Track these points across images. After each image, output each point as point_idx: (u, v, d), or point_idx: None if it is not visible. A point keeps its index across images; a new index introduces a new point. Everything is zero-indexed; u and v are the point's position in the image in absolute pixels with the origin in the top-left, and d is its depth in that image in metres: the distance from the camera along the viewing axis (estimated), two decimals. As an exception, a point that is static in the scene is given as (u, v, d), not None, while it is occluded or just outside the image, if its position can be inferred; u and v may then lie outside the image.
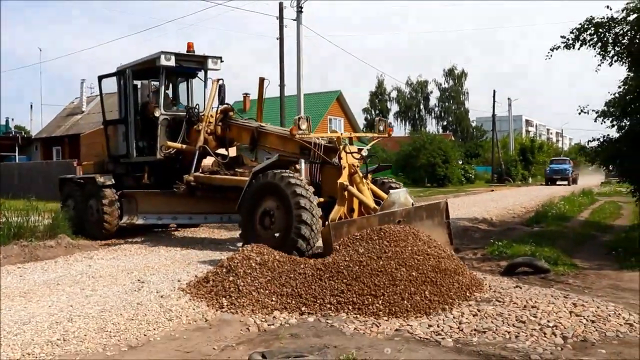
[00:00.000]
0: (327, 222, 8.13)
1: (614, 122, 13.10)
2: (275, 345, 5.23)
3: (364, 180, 8.84)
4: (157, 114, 11.21)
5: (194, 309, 6.17)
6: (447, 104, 62.08)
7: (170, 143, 11.13)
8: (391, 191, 8.55)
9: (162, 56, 11.02)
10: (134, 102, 11.75)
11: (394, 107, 66.24)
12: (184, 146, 11.13)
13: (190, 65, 11.89)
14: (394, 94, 66.42)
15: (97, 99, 36.30)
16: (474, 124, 70.09)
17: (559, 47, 13.51)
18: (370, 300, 6.03)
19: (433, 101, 64.96)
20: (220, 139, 11.19)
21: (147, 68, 11.55)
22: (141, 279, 7.61)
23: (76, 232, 11.65)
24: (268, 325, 5.82)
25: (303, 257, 7.58)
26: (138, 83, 12.03)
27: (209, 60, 11.78)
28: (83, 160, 13.85)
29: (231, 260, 6.90)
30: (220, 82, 11.34)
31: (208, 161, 11.42)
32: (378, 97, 66.10)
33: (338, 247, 6.96)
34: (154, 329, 5.59)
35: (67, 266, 8.92)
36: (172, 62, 11.13)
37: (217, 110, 11.16)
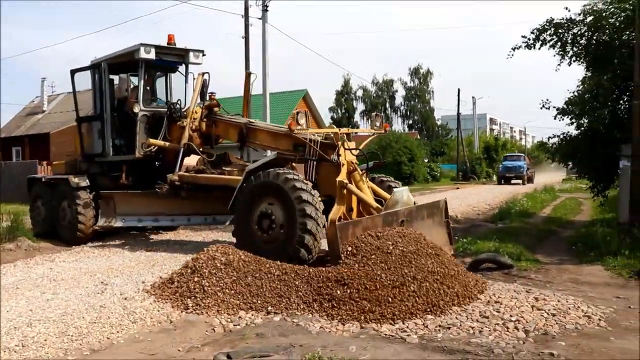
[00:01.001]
0: (329, 223, 7.71)
1: (573, 120, 13.44)
2: (241, 345, 5.20)
3: (364, 178, 8.54)
4: (136, 109, 10.67)
5: (158, 311, 6.09)
6: (412, 102, 62.70)
7: (152, 140, 10.56)
8: (395, 190, 8.35)
9: (142, 48, 10.47)
10: (110, 97, 11.15)
11: (360, 106, 66.64)
12: (167, 144, 10.60)
13: (171, 58, 11.34)
14: (360, 93, 66.82)
15: (59, 97, 35.79)
16: (439, 123, 70.97)
17: (520, 46, 13.82)
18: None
19: (399, 100, 65.57)
20: (205, 136, 10.65)
21: (125, 61, 10.97)
22: (104, 281, 7.48)
23: (48, 236, 11.28)
24: (234, 325, 5.79)
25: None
26: (114, 77, 11.30)
27: (191, 54, 11.33)
28: (53, 160, 13.22)
29: (196, 260, 6.83)
30: (206, 76, 10.87)
31: (191, 160, 10.96)
32: (344, 96, 66.36)
33: (345, 251, 6.66)
34: (118, 332, 5.50)
35: (27, 270, 8.70)
36: (152, 55, 10.61)
37: (203, 106, 10.63)
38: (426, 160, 46.48)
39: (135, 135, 10.79)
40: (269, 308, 6.08)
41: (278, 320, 5.85)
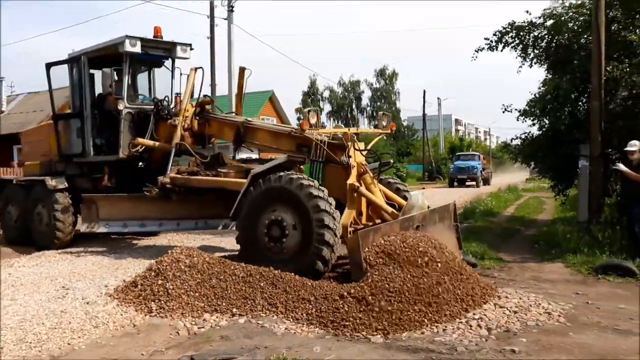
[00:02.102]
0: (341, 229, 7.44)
1: (535, 121, 13.74)
2: (205, 348, 5.17)
3: (375, 181, 8.13)
4: (120, 107, 9.95)
5: (121, 315, 6.00)
6: (378, 103, 63.10)
7: (140, 140, 9.83)
8: (411, 194, 8.16)
9: (127, 41, 9.74)
10: (91, 93, 10.49)
11: (327, 107, 66.80)
12: (156, 143, 9.90)
13: (157, 52, 10.62)
14: (326, 94, 66.99)
15: (19, 98, 34.86)
16: (405, 123, 71.59)
17: (483, 48, 14.06)
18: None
19: (365, 101, 65.94)
20: (197, 135, 9.98)
21: (107, 54, 10.28)
22: (66, 285, 7.31)
23: (21, 242, 10.79)
24: (198, 328, 5.74)
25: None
26: (95, 72, 10.67)
27: (178, 48, 10.62)
28: (25, 160, 12.25)
29: (160, 263, 6.75)
30: (199, 71, 10.20)
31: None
32: (310, 96, 66.41)
33: (366, 261, 6.34)
34: (79, 337, 5.39)
35: (-16, 275, 8.45)
36: (137, 49, 9.90)
37: (196, 102, 9.99)
38: (392, 161, 46.81)
39: (119, 134, 10.10)
40: (234, 310, 6.04)
41: (243, 322, 5.83)
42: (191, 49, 10.84)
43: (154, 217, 10.30)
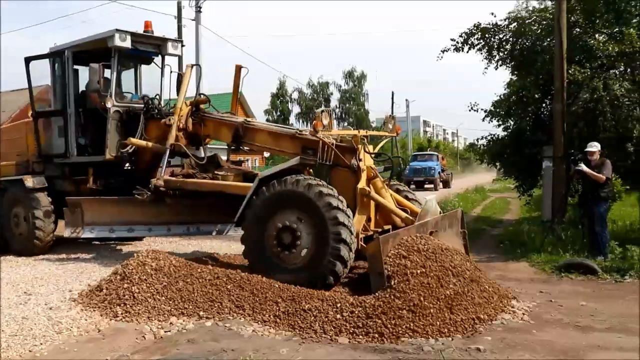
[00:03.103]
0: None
1: (500, 122, 13.99)
2: (172, 352, 5.11)
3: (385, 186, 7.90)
4: (109, 104, 9.41)
5: (86, 320, 5.89)
6: (347, 105, 63.34)
7: (133, 140, 9.23)
8: (427, 198, 7.95)
9: (117, 35, 9.22)
10: (75, 89, 9.97)
11: (296, 109, 66.74)
12: (150, 144, 9.31)
13: (147, 48, 10.13)
14: (295, 95, 66.94)
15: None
16: (374, 125, 71.99)
17: (448, 49, 14.25)
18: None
19: (334, 102, 66.11)
20: (191, 135, 9.39)
21: (94, 49, 9.75)
22: (28, 291, 7.15)
23: None
24: (164, 332, 5.66)
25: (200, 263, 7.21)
26: (80, 67, 10.28)
27: (169, 44, 10.20)
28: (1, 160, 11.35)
29: (126, 267, 6.65)
30: (196, 67, 9.59)
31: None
32: (279, 98, 66.25)
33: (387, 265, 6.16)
34: (41, 344, 5.26)
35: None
36: (127, 43, 9.40)
37: (191, 101, 9.45)
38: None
39: (106, 133, 9.56)
40: (201, 313, 5.99)
41: (210, 325, 5.78)
42: (182, 45, 10.50)
43: (143, 222, 9.78)
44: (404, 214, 7.67)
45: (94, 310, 6.11)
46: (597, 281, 8.10)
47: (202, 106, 9.45)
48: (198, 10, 23.09)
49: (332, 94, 65.15)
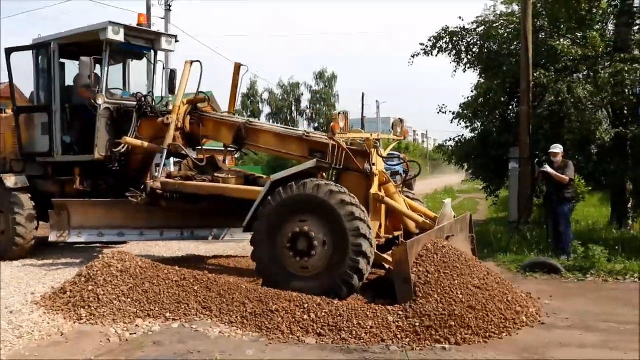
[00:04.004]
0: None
1: (468, 124, 14.20)
2: (137, 354, 5.05)
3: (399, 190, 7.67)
4: (100, 101, 8.95)
5: (48, 323, 5.76)
6: (318, 105, 63.36)
7: (129, 139, 8.78)
8: (445, 202, 7.89)
9: (110, 28, 8.79)
10: (61, 84, 9.52)
11: (266, 109, 66.44)
12: (146, 144, 8.87)
13: (139, 43, 9.65)
14: (265, 96, 66.69)
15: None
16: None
17: (418, 53, 14.42)
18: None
19: (304, 103, 66.07)
20: (189, 136, 8.92)
21: (84, 42, 9.34)
22: (-13, 294, 6.98)
23: None
24: (130, 334, 5.58)
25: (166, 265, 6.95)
26: (67, 61, 9.90)
27: (163, 39, 9.79)
28: None
29: (90, 268, 6.53)
30: (197, 64, 8.98)
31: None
32: (250, 98, 65.91)
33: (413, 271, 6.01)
34: (0, 349, 5.14)
35: None
36: (120, 37, 8.96)
37: (188, 99, 8.97)
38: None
39: (95, 131, 9.11)
40: (167, 315, 5.92)
41: (176, 326, 5.72)
42: (176, 41, 10.10)
43: (135, 226, 9.22)
44: (421, 219, 7.49)
45: (57, 314, 5.99)
46: (560, 280, 8.28)
47: (201, 105, 9.07)
48: (167, 8, 22.90)
49: (302, 94, 65.14)
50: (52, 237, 8.90)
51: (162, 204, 8.63)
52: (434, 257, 6.26)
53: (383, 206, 7.28)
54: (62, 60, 9.70)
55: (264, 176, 8.88)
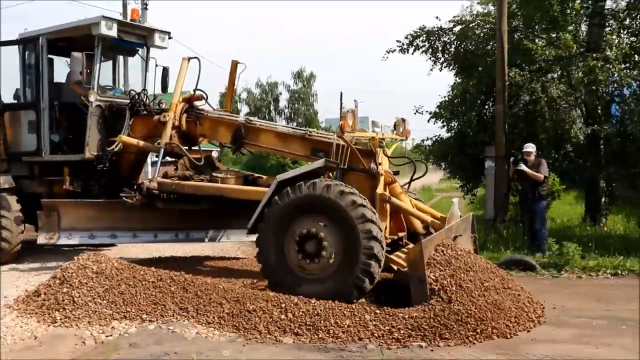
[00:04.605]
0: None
1: (444, 123, 14.33)
2: (113, 356, 5.00)
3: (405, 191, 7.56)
4: (92, 98, 8.71)
5: (21, 327, 5.67)
6: (296, 105, 63.31)
7: (125, 138, 8.57)
8: (454, 201, 7.97)
9: (103, 22, 8.51)
10: (49, 81, 9.23)
11: (245, 109, 66.19)
12: (142, 143, 8.69)
13: (132, 39, 9.36)
14: (244, 95, 66.42)
15: None
16: (323, 125, 72.17)
17: (394, 50, 14.51)
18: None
19: (283, 103, 65.94)
20: (185, 134, 8.67)
21: (74, 37, 9.10)
22: (-43, 299, 6.84)
23: None
24: (106, 336, 5.52)
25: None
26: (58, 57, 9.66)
27: (156, 35, 9.46)
28: None
29: (65, 270, 6.44)
30: (194, 60, 8.77)
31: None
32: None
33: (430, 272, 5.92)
34: (-29, 353, 5.06)
35: None
36: (113, 32, 8.67)
37: (184, 97, 8.76)
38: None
39: (86, 130, 8.83)
40: (144, 316, 5.86)
41: (153, 328, 5.67)
42: (170, 37, 9.80)
43: (127, 227, 8.90)
44: (429, 219, 7.39)
45: (30, 317, 5.89)
46: (535, 277, 8.42)
47: (197, 103, 8.83)
48: (144, 7, 22.71)
49: (281, 94, 65.05)
50: (41, 240, 8.53)
51: (158, 205, 8.38)
52: (447, 257, 6.22)
53: (388, 207, 7.14)
54: (50, 56, 9.43)
55: (264, 176, 8.84)
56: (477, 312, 5.51)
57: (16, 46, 9.49)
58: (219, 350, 5.04)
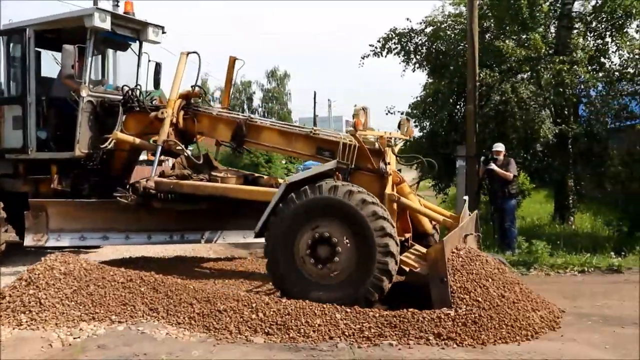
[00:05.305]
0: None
1: (417, 123, 14.42)
2: (80, 358, 4.93)
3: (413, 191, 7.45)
4: (84, 93, 8.39)
5: (-15, 330, 5.56)
6: (270, 104, 63.21)
7: (121, 135, 8.27)
8: (465, 198, 7.99)
9: (97, 14, 8.22)
10: (36, 74, 8.93)
11: (218, 107, 65.94)
12: (138, 140, 8.39)
13: (125, 32, 9.05)
14: (217, 94, 66.02)
15: None
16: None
17: (368, 55, 14.55)
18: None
19: (256, 102, 65.79)
20: (182, 132, 8.44)
21: (64, 29, 8.80)
22: None
23: None
24: (74, 338, 5.43)
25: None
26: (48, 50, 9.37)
27: (150, 29, 9.16)
28: None
29: (32, 271, 6.32)
30: (192, 55, 8.54)
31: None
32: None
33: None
34: None
35: None
36: (107, 25, 8.36)
37: (180, 94, 8.50)
38: (284, 162, 47.00)
39: (76, 126, 8.51)
40: (113, 317, 5.79)
41: (122, 329, 5.60)
42: (163, 32, 9.51)
43: (120, 228, 8.57)
44: (441, 217, 7.32)
45: (-5, 320, 5.78)
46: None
47: (194, 100, 8.65)
48: (115, 3, 22.38)
49: (254, 93, 64.85)
50: (28, 242, 8.14)
51: (155, 205, 8.13)
52: (463, 258, 6.16)
53: (395, 207, 6.99)
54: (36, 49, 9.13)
55: (264, 176, 8.76)
56: (497, 313, 5.50)
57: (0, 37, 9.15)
58: (188, 351, 5.01)
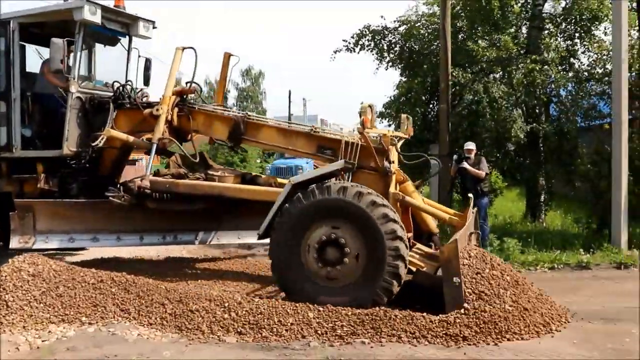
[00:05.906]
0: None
1: (390, 123, 14.52)
2: (49, 361, 4.86)
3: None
4: (73, 89, 8.10)
5: (-52, 335, 5.43)
6: (245, 103, 62.94)
7: (114, 132, 7.91)
8: (470, 196, 7.92)
9: (87, 7, 7.89)
10: (21, 69, 8.53)
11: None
12: (131, 138, 8.02)
13: (114, 27, 8.73)
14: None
15: None
16: (272, 123, 71.83)
17: (341, 50, 14.60)
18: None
19: (231, 101, 65.44)
20: (177, 130, 8.17)
21: (50, 22, 8.54)
22: None
23: None
24: (42, 341, 5.33)
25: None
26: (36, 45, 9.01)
27: (140, 24, 8.87)
28: None
29: (-2, 274, 6.21)
30: (189, 51, 8.25)
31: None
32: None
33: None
34: None
35: None
36: (97, 18, 8.06)
37: (174, 90, 8.18)
38: (259, 161, 46.86)
39: (65, 123, 8.16)
40: (83, 319, 5.71)
41: (92, 330, 5.53)
42: (154, 27, 9.23)
43: (111, 230, 8.29)
44: (446, 216, 7.22)
45: (-41, 324, 5.64)
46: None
47: (188, 97, 8.32)
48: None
49: (229, 91, 64.54)
50: (14, 244, 7.77)
51: (149, 205, 7.82)
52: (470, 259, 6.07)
53: (399, 206, 6.82)
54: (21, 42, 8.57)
55: (263, 175, 8.61)
56: (512, 312, 5.53)
57: None
58: (160, 352, 4.97)
